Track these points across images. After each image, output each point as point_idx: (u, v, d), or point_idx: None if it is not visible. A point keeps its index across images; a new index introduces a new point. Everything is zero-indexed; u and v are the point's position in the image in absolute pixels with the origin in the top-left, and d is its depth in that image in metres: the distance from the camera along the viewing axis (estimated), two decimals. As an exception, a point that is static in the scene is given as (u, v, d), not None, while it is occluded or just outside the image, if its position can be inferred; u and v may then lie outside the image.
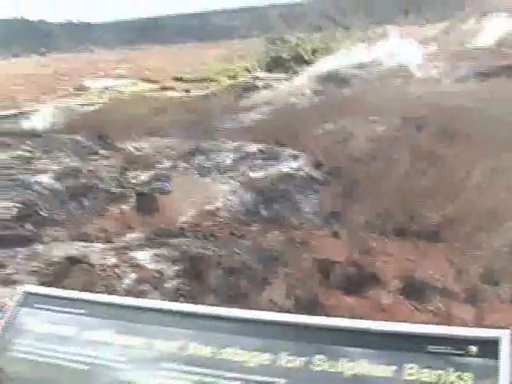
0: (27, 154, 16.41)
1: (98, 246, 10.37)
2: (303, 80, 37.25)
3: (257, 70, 49.80)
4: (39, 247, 10.37)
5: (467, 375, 2.09)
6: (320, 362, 2.30)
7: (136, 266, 9.02)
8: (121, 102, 33.70)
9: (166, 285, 8.74)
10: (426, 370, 2.16)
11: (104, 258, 9.34)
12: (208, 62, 51.99)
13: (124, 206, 13.16)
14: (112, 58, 57.04)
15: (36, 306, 2.89)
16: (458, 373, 2.11)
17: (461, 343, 2.18)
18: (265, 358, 2.38)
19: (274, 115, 23.73)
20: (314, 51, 54.59)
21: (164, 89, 40.37)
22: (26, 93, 37.49)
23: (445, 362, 2.14)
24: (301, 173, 13.72)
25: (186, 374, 2.42)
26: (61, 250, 9.91)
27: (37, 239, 10.90)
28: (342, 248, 10.31)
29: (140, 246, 10.05)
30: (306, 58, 50.83)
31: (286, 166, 14.20)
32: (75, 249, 10.04)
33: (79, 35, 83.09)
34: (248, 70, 49.49)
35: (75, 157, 16.19)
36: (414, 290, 8.38)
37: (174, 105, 30.79)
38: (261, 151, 15.49)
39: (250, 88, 36.81)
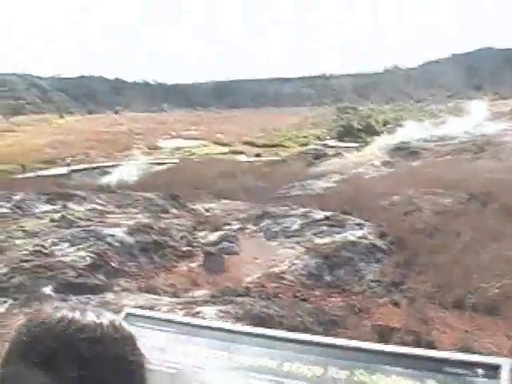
0: (102, 208, 17.06)
1: (166, 299, 10.79)
2: (373, 150, 37.52)
3: (328, 138, 50.37)
4: (110, 296, 10.84)
5: None
6: (360, 375, 2.83)
7: (202, 321, 9.36)
8: (192, 163, 34.37)
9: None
10: (442, 385, 2.68)
11: (172, 311, 9.72)
12: (280, 127, 52.56)
13: (192, 264, 13.62)
14: (185, 120, 58.12)
15: (135, 324, 3.52)
16: None
17: (471, 366, 2.72)
18: (317, 370, 2.94)
19: (342, 184, 24.08)
20: (386, 122, 54.94)
21: (235, 152, 40.98)
22: (100, 149, 38.43)
23: (457, 380, 2.69)
24: (365, 241, 13.97)
25: (257, 380, 3.00)
26: (130, 300, 10.34)
27: (107, 289, 11.37)
28: (401, 316, 10.53)
29: (206, 302, 10.43)
30: (377, 128, 51.19)
31: (351, 234, 14.47)
32: (144, 300, 10.47)
33: (154, 95, 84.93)
34: (319, 138, 50.06)
35: (147, 214, 16.79)
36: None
37: (244, 169, 31.33)
38: (327, 218, 15.82)
39: (320, 156, 37.19)
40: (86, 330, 1.52)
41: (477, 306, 10.78)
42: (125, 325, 1.64)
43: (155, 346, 3.50)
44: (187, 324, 3.64)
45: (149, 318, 3.72)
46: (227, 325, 3.77)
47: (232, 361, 3.22)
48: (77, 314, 1.55)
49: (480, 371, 2.74)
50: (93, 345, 1.51)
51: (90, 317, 1.55)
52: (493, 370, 2.74)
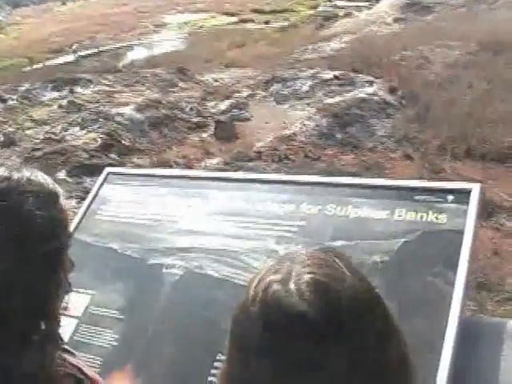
0: (109, 89, 16.96)
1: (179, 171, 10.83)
2: (385, 7, 36.67)
3: (337, -2, 49.23)
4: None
5: (443, 216, 2.59)
6: (331, 209, 2.83)
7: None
8: (200, 37, 33.90)
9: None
10: (411, 213, 2.65)
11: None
12: (288, -8, 51.20)
13: (203, 134, 13.60)
14: (191, -7, 56.81)
15: (116, 182, 3.61)
16: (436, 214, 2.60)
17: (440, 193, 2.68)
18: (289, 207, 2.97)
19: (353, 43, 23.65)
20: (396, -22, 53.44)
21: (243, 21, 40.23)
22: (106, 32, 37.82)
23: (427, 207, 2.71)
24: (375, 98, 13.81)
25: (231, 222, 3.09)
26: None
27: (121, 166, 11.41)
28: (414, 169, 10.53)
29: (218, 168, 10.48)
30: (388, -16, 49.86)
31: (361, 92, 14.30)
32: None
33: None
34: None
35: (155, 89, 16.67)
36: (482, 208, 8.49)
37: (254, 37, 30.87)
38: (337, 78, 15.61)
39: (330, 17, 36.43)
40: None
41: (489, 156, 10.76)
42: (45, 180, 1.63)
43: (135, 201, 3.58)
44: (164, 176, 3.72)
45: (128, 175, 3.79)
46: (200, 172, 3.81)
47: (208, 206, 3.30)
48: None
49: (450, 197, 2.72)
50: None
51: (2, 170, 1.63)
52: (463, 195, 2.72)
